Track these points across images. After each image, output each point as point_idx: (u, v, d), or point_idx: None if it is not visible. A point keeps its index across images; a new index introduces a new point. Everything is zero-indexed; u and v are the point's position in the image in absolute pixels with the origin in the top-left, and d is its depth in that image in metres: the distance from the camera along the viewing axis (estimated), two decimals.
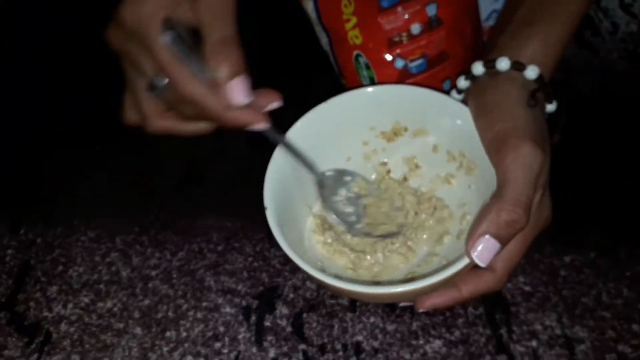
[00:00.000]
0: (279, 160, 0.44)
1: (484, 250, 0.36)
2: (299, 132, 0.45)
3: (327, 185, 0.46)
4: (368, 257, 0.45)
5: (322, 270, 0.39)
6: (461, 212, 0.46)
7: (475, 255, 0.36)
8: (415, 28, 0.55)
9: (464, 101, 0.45)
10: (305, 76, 0.64)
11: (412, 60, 0.56)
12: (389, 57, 0.56)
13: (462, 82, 0.44)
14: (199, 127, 0.41)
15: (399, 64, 0.56)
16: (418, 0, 0.55)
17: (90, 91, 0.64)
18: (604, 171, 0.54)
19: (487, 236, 0.36)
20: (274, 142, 0.43)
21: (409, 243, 0.46)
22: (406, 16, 0.55)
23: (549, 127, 0.41)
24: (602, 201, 0.53)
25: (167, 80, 0.37)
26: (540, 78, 0.41)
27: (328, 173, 0.46)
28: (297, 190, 0.46)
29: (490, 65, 0.42)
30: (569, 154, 0.46)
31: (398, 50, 0.56)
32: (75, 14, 0.69)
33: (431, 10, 0.55)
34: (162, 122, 0.41)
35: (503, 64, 0.41)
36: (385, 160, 0.50)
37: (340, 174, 0.47)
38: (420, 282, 0.36)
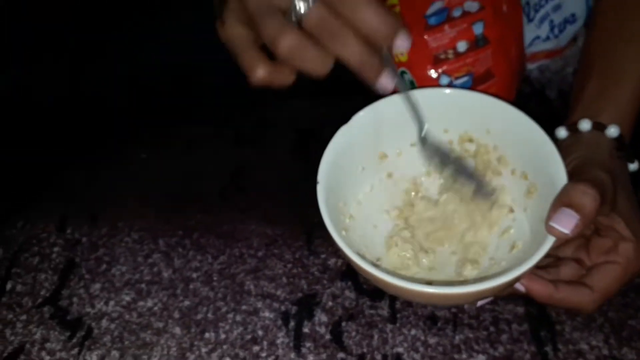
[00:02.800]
0: (339, 141, 0.45)
1: (562, 217, 0.38)
2: (370, 114, 0.46)
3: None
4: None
5: (363, 257, 0.39)
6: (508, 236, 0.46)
7: (553, 223, 0.38)
8: (462, 46, 0.56)
9: None
10: (346, 95, 0.64)
11: (457, 78, 0.57)
12: (434, 74, 0.57)
13: None
14: (325, 56, 0.37)
15: (444, 81, 0.57)
16: (465, 18, 0.56)
17: (135, 97, 0.66)
18: None
19: (562, 207, 0.38)
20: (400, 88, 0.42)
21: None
22: (453, 34, 0.56)
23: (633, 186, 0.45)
24: None
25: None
26: (620, 136, 0.45)
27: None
28: (349, 176, 0.46)
29: (573, 128, 0.47)
30: None
31: (444, 67, 0.56)
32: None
33: (478, 29, 0.56)
34: (296, 35, 0.36)
35: (585, 124, 0.46)
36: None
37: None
38: (488, 282, 0.36)
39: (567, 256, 0.44)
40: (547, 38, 0.66)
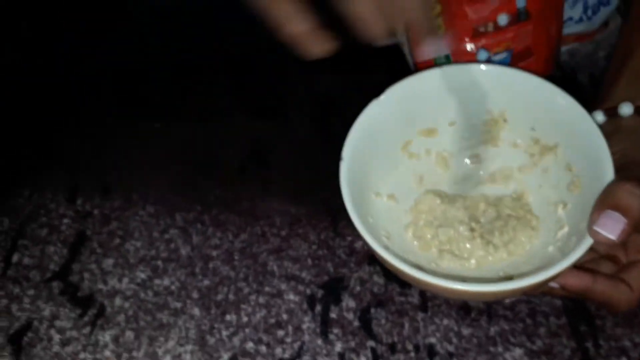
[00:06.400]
0: (369, 116, 0.42)
1: (608, 221, 0.35)
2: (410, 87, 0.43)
3: None
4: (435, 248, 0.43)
5: (387, 243, 0.37)
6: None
7: (598, 227, 0.35)
8: (503, 19, 0.53)
9: None
10: (370, 71, 0.61)
11: (496, 54, 0.53)
12: (472, 47, 0.53)
13: None
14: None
15: (482, 56, 0.53)
16: None
17: (148, 63, 0.63)
18: None
19: (608, 210, 0.35)
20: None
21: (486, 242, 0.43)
22: (494, 5, 0.52)
23: None
24: None
25: None
26: None
27: None
28: (377, 154, 0.43)
29: (612, 112, 0.42)
30: None
31: (482, 41, 0.53)
32: None
33: (520, 2, 0.53)
34: None
35: (626, 109, 0.41)
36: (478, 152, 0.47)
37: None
38: (523, 279, 0.33)
39: (602, 253, 0.41)
40: (580, 20, 0.63)
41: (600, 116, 0.43)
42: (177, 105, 0.60)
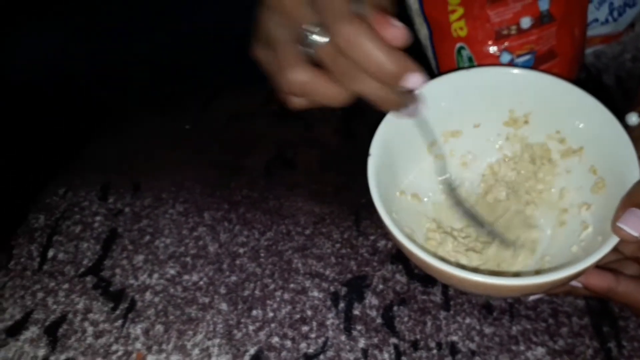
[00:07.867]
0: (395, 118, 0.43)
1: (631, 218, 0.35)
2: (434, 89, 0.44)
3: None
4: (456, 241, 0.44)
5: (411, 238, 0.38)
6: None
7: (621, 224, 0.35)
8: (526, 22, 0.53)
9: None
10: None
11: (519, 56, 0.54)
12: (495, 50, 0.54)
13: None
14: (340, 92, 0.37)
15: (505, 58, 0.54)
16: None
17: (179, 66, 0.64)
18: None
19: (632, 208, 0.35)
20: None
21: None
22: (517, 9, 0.53)
23: None
24: None
25: (327, 39, 0.35)
26: None
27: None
28: (403, 152, 0.44)
29: None
30: None
31: (505, 44, 0.53)
32: None
33: (543, 5, 0.53)
34: (304, 72, 0.36)
35: None
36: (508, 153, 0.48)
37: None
38: (550, 274, 0.34)
39: (627, 254, 0.42)
40: (606, 21, 0.62)
41: (634, 117, 0.43)
42: (207, 107, 0.62)
